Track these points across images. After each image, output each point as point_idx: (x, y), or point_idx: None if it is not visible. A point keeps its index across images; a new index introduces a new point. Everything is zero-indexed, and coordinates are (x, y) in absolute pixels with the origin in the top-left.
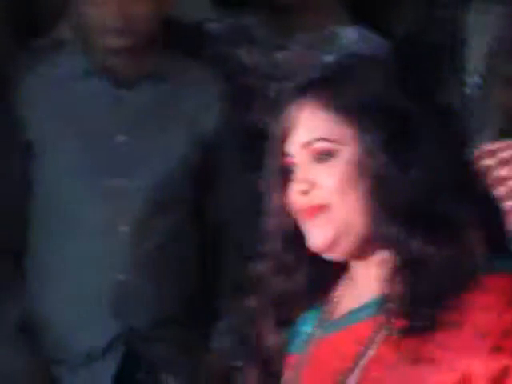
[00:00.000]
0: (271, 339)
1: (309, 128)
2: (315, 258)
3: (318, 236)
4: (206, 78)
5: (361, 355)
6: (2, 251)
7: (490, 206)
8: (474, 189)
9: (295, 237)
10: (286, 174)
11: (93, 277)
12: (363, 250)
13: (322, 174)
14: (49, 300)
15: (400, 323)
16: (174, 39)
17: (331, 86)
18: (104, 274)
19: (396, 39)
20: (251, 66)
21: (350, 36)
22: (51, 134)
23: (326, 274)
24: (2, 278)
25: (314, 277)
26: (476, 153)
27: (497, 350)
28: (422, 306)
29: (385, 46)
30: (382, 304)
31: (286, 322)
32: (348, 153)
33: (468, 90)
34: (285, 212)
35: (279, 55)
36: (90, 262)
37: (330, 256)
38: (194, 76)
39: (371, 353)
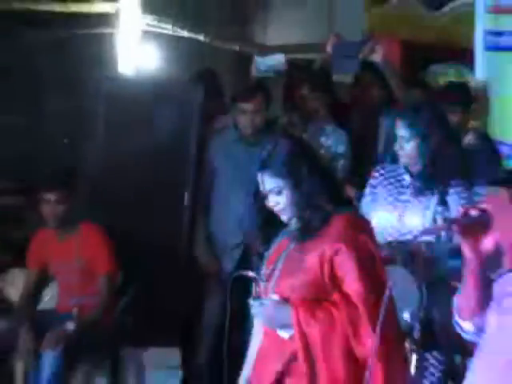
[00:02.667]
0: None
1: (268, 183)
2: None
3: (283, 217)
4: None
5: (283, 252)
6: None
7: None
8: (331, 185)
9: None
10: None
11: (235, 216)
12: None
13: (278, 199)
14: (216, 224)
15: (298, 237)
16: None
17: (271, 166)
18: (239, 215)
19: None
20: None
21: (329, 130)
22: (221, 168)
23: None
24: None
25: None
26: None
27: (336, 240)
28: (309, 227)
29: (345, 136)
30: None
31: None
32: (286, 190)
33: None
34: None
35: (305, 135)
36: (232, 211)
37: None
38: (271, 138)
39: (285, 253)
